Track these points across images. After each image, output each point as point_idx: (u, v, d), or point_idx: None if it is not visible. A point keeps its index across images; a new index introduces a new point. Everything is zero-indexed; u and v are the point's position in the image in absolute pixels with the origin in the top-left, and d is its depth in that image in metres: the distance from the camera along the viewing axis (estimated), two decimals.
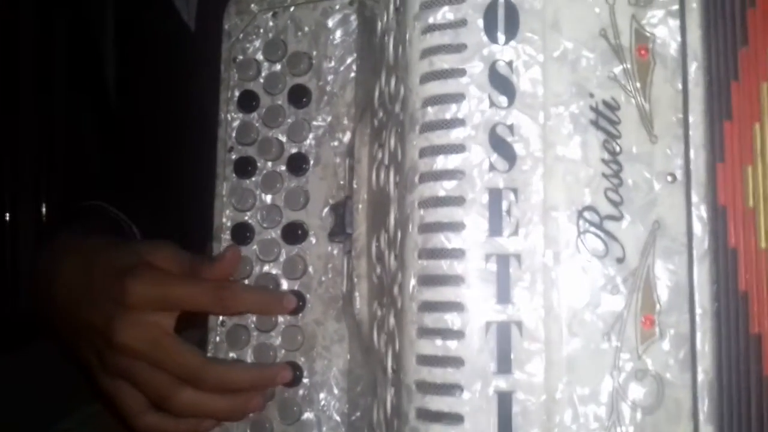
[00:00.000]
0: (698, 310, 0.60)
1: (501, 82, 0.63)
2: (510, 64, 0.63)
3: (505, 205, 0.61)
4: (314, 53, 0.98)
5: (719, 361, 0.60)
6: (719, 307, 0.60)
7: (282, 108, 0.98)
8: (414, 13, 0.68)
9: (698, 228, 0.61)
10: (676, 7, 0.63)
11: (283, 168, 0.97)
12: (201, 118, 1.04)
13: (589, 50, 0.62)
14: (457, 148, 0.62)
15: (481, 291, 0.60)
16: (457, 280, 0.61)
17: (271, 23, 1.01)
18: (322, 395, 0.92)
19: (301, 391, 0.93)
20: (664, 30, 0.62)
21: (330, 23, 0.99)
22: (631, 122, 0.62)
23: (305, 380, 0.92)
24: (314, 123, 0.97)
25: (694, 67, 0.62)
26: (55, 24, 2.11)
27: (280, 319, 0.94)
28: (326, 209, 0.92)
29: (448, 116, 0.63)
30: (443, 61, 0.64)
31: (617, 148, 0.62)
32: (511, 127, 0.62)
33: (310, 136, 0.97)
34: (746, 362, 0.60)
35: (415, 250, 0.63)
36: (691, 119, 0.62)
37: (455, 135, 0.62)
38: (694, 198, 0.61)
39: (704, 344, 0.60)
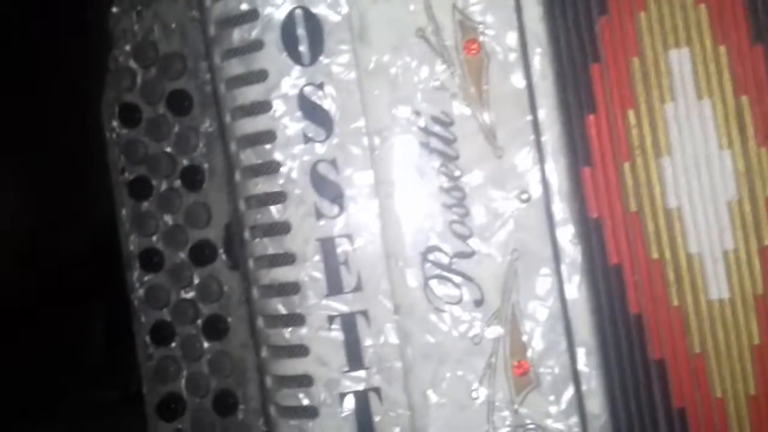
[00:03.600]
0: (579, 347, 0.51)
1: (314, 112, 0.52)
2: (321, 87, 0.52)
3: (341, 257, 0.52)
4: (186, 52, 0.88)
5: (613, 399, 0.51)
6: (606, 336, 0.51)
7: (164, 117, 0.89)
8: (211, 36, 0.57)
9: (567, 249, 0.51)
10: None
11: (179, 184, 0.90)
12: None
13: (406, 57, 0.51)
14: (279, 196, 0.53)
15: (330, 359, 0.53)
16: (303, 350, 0.53)
17: (137, 25, 0.91)
18: (261, 420, 0.88)
19: (240, 416, 0.90)
20: (494, 16, 0.50)
21: (195, 14, 0.88)
22: (470, 137, 0.51)
23: (241, 406, 0.88)
24: (201, 129, 0.88)
25: (538, 55, 0.50)
26: None
27: (206, 345, 0.90)
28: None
29: (261, 160, 0.54)
30: (245, 95, 0.54)
31: (457, 172, 0.51)
32: (333, 163, 0.52)
33: (200, 144, 0.88)
34: (648, 395, 0.51)
35: (259, 317, 0.56)
36: (542, 119, 0.50)
37: (273, 183, 0.53)
38: (558, 215, 0.51)
39: (591, 382, 0.51)
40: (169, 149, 0.88)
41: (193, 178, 0.88)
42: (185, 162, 0.88)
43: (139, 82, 0.89)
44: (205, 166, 0.88)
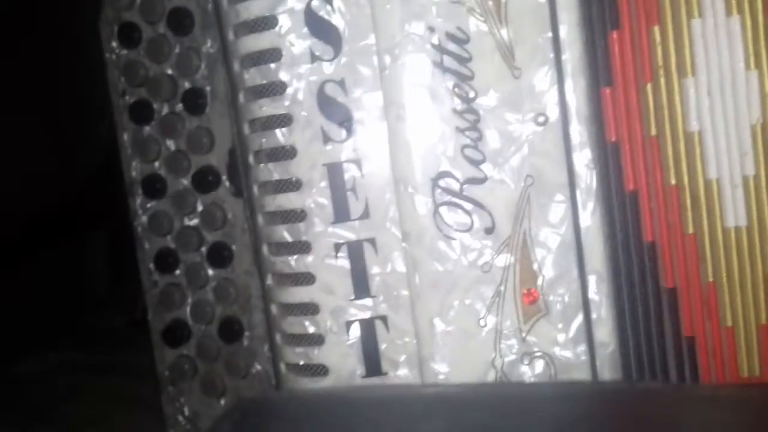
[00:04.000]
0: (590, 275, 0.50)
1: (322, 28, 0.50)
2: (329, 1, 0.49)
3: (348, 183, 0.51)
4: None
5: (622, 328, 0.50)
6: (618, 264, 0.50)
7: (165, 38, 0.86)
8: None
9: (583, 175, 0.49)
10: None
11: (181, 108, 0.88)
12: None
13: None
14: (284, 119, 0.51)
15: (336, 287, 0.52)
16: (309, 278, 0.52)
17: None
18: (266, 347, 0.88)
19: (245, 343, 0.90)
20: None
21: None
22: (486, 56, 0.48)
23: (246, 333, 0.88)
24: (203, 50, 0.85)
25: None
26: None
27: (210, 272, 0.89)
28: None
29: (266, 80, 0.51)
30: (249, 9, 0.51)
31: (471, 93, 0.49)
32: (341, 84, 0.50)
33: (202, 66, 0.85)
34: (658, 324, 0.50)
35: (264, 244, 0.55)
36: (563, 37, 0.47)
37: (278, 104, 0.51)
38: (575, 139, 0.49)
39: (601, 311, 0.50)
40: (170, 71, 0.85)
41: (195, 101, 0.85)
42: (187, 85, 0.85)
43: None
44: (208, 89, 0.85)
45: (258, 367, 0.88)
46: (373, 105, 0.50)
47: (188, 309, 0.90)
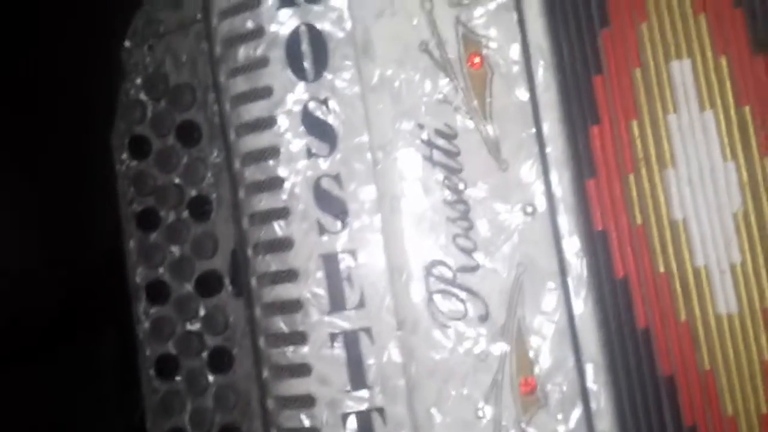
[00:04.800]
0: (587, 363, 0.50)
1: (318, 127, 0.53)
2: (325, 102, 0.53)
3: (344, 273, 0.52)
4: (196, 83, 0.90)
5: (623, 418, 0.50)
6: (614, 352, 0.50)
7: (174, 149, 0.90)
8: (218, 56, 0.58)
9: (573, 263, 0.50)
10: None
11: (186, 215, 0.90)
12: None
13: (409, 71, 0.51)
14: (282, 212, 0.53)
15: (332, 378, 0.52)
16: (305, 369, 0.52)
17: (148, 58, 0.93)
18: None
19: None
20: (497, 29, 0.51)
21: (205, 47, 0.90)
22: (473, 150, 0.51)
23: None
24: (210, 160, 0.89)
25: (541, 68, 0.50)
26: None
27: (210, 378, 0.88)
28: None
29: (265, 176, 0.54)
30: (250, 111, 0.54)
31: (461, 185, 0.51)
32: (337, 178, 0.52)
33: (208, 175, 0.89)
34: (658, 413, 0.50)
35: (261, 337, 0.55)
36: (546, 132, 0.50)
37: (276, 198, 0.53)
38: (563, 228, 0.50)
39: (600, 400, 0.50)
40: (177, 180, 0.89)
41: (200, 208, 0.88)
42: (193, 192, 0.88)
43: (150, 114, 0.90)
44: (213, 196, 0.88)
45: None
46: (366, 197, 0.52)
47: (187, 416, 0.89)
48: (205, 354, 0.89)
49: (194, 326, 0.89)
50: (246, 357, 0.86)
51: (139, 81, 0.91)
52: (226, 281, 0.87)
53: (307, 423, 0.52)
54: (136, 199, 0.91)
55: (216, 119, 0.87)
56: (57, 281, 0.95)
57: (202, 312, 0.88)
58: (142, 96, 0.90)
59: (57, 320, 0.99)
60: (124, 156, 0.92)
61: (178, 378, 0.89)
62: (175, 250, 0.89)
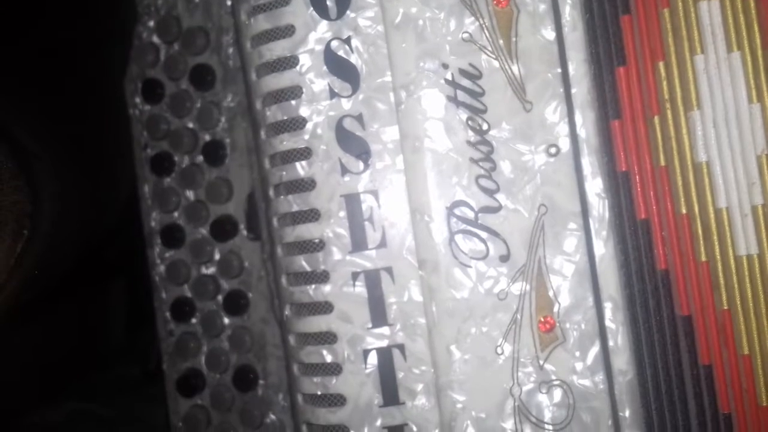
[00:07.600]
0: (606, 302, 0.50)
1: (340, 66, 0.52)
2: (348, 41, 0.52)
3: (366, 213, 0.52)
4: (209, 26, 0.89)
5: (639, 356, 0.51)
6: (633, 292, 0.50)
7: (187, 93, 0.90)
8: None
9: (595, 204, 0.50)
10: None
11: (201, 159, 0.90)
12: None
13: (434, 9, 0.51)
14: (304, 152, 0.53)
15: (353, 315, 0.52)
16: (326, 307, 0.53)
17: (160, 0, 0.92)
18: (281, 396, 0.88)
19: (260, 392, 0.89)
20: None
21: None
22: (498, 90, 0.50)
23: (261, 381, 0.88)
24: (224, 104, 0.88)
25: (568, 6, 0.50)
26: None
27: (226, 321, 0.90)
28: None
29: (287, 116, 0.53)
30: (272, 50, 0.54)
31: (484, 125, 0.51)
32: (359, 118, 0.52)
33: (222, 119, 0.89)
34: (675, 352, 0.51)
35: (282, 275, 0.56)
36: (571, 72, 0.50)
37: (298, 139, 0.53)
38: (586, 169, 0.50)
39: (617, 338, 0.51)
40: (191, 125, 0.88)
41: (215, 153, 0.88)
42: (207, 137, 0.88)
43: (163, 57, 0.90)
44: (227, 141, 0.88)
45: (272, 417, 0.87)
46: (389, 138, 0.52)
47: (203, 358, 0.90)
48: (220, 297, 0.90)
49: (209, 270, 0.90)
50: (261, 300, 0.87)
51: (151, 24, 0.91)
52: (241, 226, 0.87)
53: (328, 358, 0.53)
54: (149, 144, 0.91)
55: (230, 63, 0.86)
56: (82, 225, 0.95)
57: (217, 256, 0.89)
58: (155, 39, 0.90)
59: (80, 263, 0.99)
60: (138, 100, 0.91)
61: (193, 320, 0.90)
62: (190, 194, 0.89)
